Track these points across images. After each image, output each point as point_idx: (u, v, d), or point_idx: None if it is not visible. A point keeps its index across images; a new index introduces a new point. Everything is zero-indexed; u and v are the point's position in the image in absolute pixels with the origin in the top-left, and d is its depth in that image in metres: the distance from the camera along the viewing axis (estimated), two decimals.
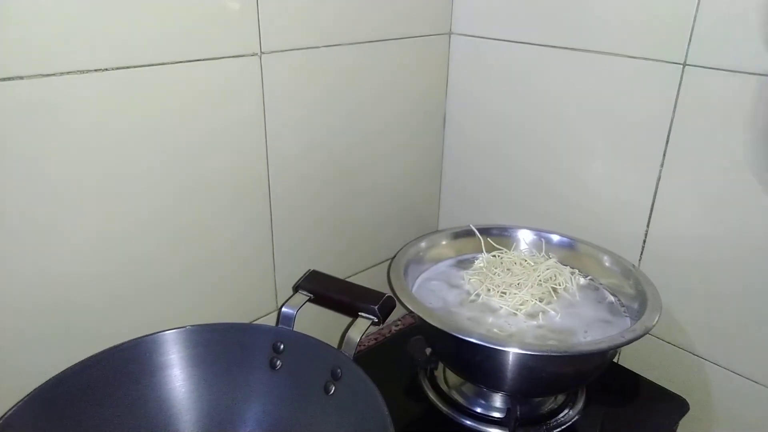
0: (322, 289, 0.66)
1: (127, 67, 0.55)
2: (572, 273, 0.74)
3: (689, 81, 0.66)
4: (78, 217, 0.56)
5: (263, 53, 0.64)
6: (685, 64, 0.66)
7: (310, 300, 0.65)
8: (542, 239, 0.79)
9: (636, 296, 0.68)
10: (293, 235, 0.76)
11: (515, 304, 0.68)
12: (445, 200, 0.97)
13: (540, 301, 0.69)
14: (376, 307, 0.61)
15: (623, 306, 0.70)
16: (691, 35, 0.65)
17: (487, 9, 0.82)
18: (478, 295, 0.70)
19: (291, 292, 0.67)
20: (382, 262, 0.90)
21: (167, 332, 0.60)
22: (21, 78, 0.49)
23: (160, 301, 0.65)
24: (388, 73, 0.79)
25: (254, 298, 0.74)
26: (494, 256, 0.78)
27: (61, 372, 0.54)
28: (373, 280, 0.89)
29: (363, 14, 0.73)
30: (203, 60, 0.60)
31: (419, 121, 0.88)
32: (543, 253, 0.78)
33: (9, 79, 0.48)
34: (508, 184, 0.87)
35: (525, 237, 0.80)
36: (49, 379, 0.53)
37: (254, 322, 0.74)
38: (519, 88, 0.82)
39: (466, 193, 0.94)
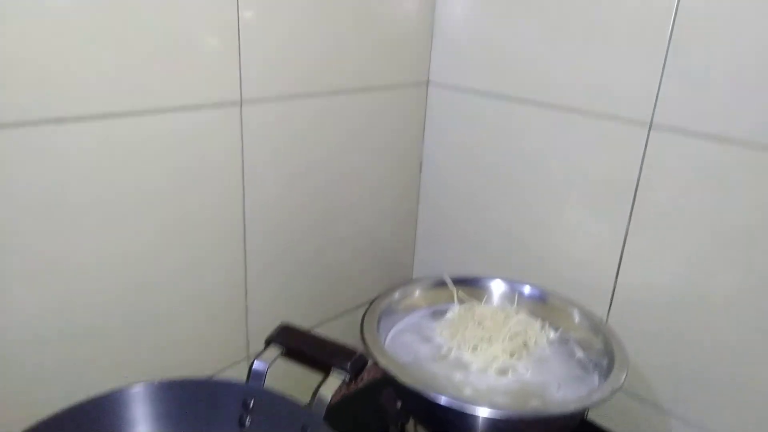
0: (294, 343, 0.66)
1: (106, 116, 0.55)
2: (542, 327, 0.75)
3: (655, 141, 0.68)
4: (48, 262, 0.55)
5: (244, 101, 0.65)
6: (651, 125, 0.68)
7: (282, 354, 0.65)
8: (514, 291, 0.80)
9: (605, 352, 0.69)
10: (267, 280, 0.75)
11: (486, 359, 0.68)
12: (420, 247, 0.98)
13: (511, 356, 0.69)
14: (347, 365, 0.61)
15: (592, 361, 0.71)
16: (657, 97, 0.67)
17: (463, 61, 0.84)
18: (449, 349, 0.71)
19: (263, 338, 0.67)
20: (358, 307, 0.90)
21: (134, 388, 0.59)
22: None
23: (130, 345, 0.64)
24: (366, 121, 0.81)
25: (226, 344, 0.74)
26: (466, 309, 0.78)
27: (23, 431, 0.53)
28: (347, 326, 0.89)
29: (342, 63, 0.74)
30: (184, 108, 0.60)
31: (396, 168, 0.89)
32: (515, 304, 0.79)
33: None
34: (483, 232, 0.88)
35: (497, 288, 0.81)
36: None
37: (225, 373, 0.74)
38: (494, 138, 0.83)
39: (441, 239, 0.95)
